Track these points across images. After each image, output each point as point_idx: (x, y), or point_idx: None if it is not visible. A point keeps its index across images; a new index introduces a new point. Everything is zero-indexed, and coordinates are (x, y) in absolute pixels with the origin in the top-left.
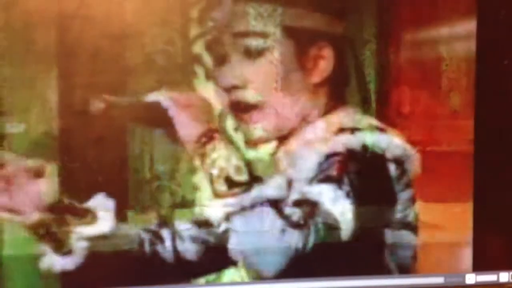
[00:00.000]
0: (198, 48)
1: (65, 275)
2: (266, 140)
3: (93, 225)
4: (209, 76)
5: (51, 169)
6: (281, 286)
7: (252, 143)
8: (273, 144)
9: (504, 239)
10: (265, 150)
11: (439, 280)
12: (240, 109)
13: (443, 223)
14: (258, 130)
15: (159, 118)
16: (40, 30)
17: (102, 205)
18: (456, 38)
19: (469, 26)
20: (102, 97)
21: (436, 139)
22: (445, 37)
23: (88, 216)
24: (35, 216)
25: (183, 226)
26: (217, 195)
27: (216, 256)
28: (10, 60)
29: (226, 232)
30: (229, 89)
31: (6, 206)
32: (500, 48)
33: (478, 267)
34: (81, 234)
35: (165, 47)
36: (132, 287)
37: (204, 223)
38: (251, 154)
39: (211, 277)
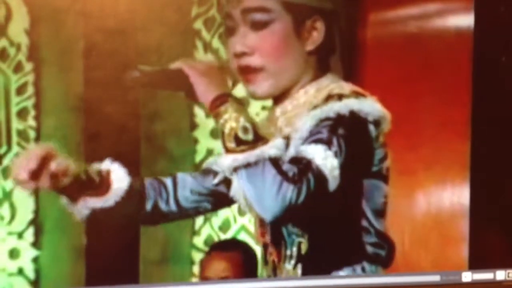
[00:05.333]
0: (198, 24)
1: None
2: (265, 98)
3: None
4: (207, 49)
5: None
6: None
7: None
8: (270, 102)
9: (501, 238)
10: (259, 105)
11: (435, 278)
12: (247, 71)
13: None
14: (260, 88)
15: (181, 83)
16: None
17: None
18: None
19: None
20: (137, 67)
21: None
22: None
23: None
24: None
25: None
26: (227, 150)
27: (220, 199)
28: None
29: (231, 181)
30: (239, 55)
31: None
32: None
33: (474, 265)
34: None
35: (171, 23)
36: None
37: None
38: (254, 109)
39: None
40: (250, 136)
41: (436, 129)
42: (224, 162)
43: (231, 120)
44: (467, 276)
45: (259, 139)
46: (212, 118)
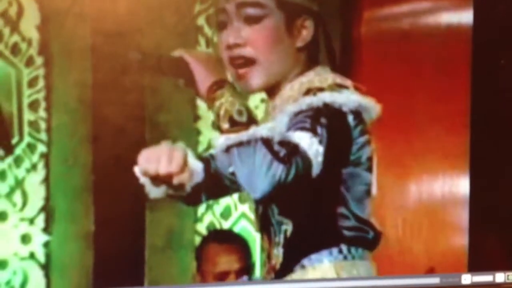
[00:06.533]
0: (201, 21)
1: None
2: (257, 91)
3: None
4: (209, 44)
5: None
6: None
7: (247, 92)
8: (263, 95)
9: (500, 240)
10: (258, 98)
11: (435, 280)
12: (239, 64)
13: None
14: (252, 80)
15: (181, 70)
16: None
17: None
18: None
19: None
20: (140, 51)
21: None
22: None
23: None
24: None
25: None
26: (221, 131)
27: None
28: None
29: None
30: (232, 47)
31: None
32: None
33: (474, 267)
34: None
35: (175, 20)
36: None
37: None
38: (253, 103)
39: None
40: (244, 118)
41: (430, 122)
42: (218, 141)
43: (226, 103)
44: (466, 279)
45: (252, 122)
46: (208, 102)
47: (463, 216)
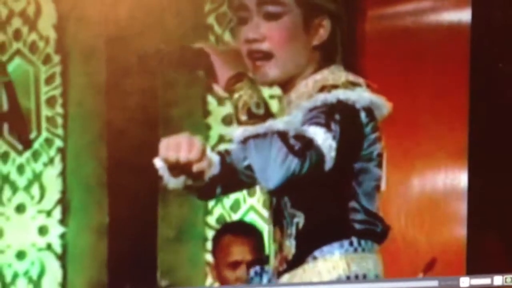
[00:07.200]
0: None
1: None
2: (272, 84)
3: None
4: (218, 42)
5: None
6: None
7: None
8: (278, 90)
9: (498, 243)
10: (274, 93)
11: (433, 283)
12: (257, 57)
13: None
14: (269, 72)
15: (202, 61)
16: None
17: None
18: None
19: None
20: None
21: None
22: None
23: None
24: None
25: None
26: (240, 122)
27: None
28: None
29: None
30: (251, 41)
31: None
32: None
33: (472, 270)
34: None
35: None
36: None
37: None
38: (266, 93)
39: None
40: (261, 111)
41: (430, 118)
42: (236, 132)
43: (245, 96)
44: (464, 282)
45: (269, 115)
46: (227, 94)
47: (462, 209)
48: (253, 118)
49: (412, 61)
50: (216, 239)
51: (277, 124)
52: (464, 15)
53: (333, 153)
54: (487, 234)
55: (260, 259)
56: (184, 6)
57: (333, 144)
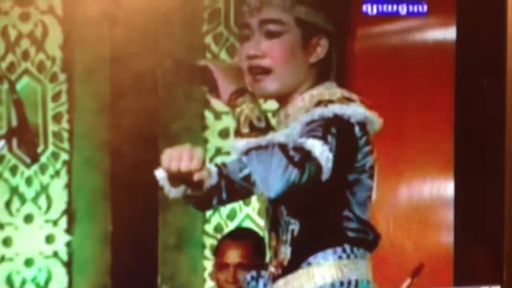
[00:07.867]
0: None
1: None
2: (270, 97)
3: None
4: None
5: None
6: None
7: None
8: (276, 105)
9: (485, 255)
10: (268, 107)
11: None
12: (257, 72)
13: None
14: (267, 86)
15: (206, 78)
16: None
17: None
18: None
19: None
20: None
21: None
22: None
23: None
24: None
25: None
26: (242, 135)
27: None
28: None
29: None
30: (252, 57)
31: None
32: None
33: (459, 281)
34: None
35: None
36: None
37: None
38: (265, 107)
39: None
40: (262, 124)
41: (420, 131)
42: (239, 144)
43: (247, 110)
44: None
45: (270, 128)
46: (230, 108)
47: (449, 218)
48: (255, 130)
49: (400, 78)
50: (218, 244)
51: (278, 136)
52: (449, 33)
53: (329, 164)
54: (474, 242)
55: (258, 263)
56: (183, 27)
57: (330, 155)
